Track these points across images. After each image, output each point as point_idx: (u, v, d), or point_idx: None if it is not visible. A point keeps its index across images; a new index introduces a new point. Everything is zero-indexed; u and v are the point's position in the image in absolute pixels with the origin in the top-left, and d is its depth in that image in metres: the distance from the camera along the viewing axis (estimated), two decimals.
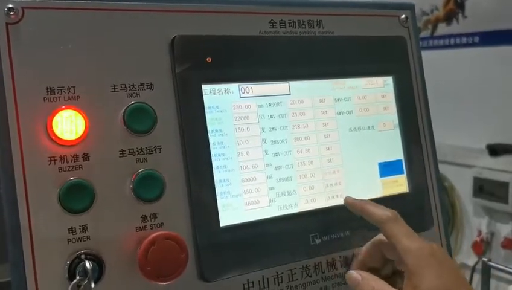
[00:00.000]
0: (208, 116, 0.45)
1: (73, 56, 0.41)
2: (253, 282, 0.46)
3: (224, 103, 0.46)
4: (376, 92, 0.55)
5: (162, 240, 0.39)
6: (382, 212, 0.44)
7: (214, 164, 0.45)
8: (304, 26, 0.52)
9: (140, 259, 0.39)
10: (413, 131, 0.56)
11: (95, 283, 0.38)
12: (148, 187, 0.41)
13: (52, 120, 0.39)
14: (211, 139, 0.45)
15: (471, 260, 1.44)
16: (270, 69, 0.49)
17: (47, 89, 0.40)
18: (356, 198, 0.48)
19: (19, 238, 0.38)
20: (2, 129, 0.38)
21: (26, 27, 0.39)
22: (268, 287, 0.46)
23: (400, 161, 0.55)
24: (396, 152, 0.55)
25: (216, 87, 0.46)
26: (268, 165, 0.48)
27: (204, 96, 0.45)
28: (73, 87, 0.40)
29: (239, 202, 0.46)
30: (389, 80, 0.55)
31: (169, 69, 0.44)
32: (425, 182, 0.56)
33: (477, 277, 1.41)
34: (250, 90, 0.48)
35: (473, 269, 1.41)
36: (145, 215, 0.42)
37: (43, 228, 0.38)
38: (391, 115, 0.55)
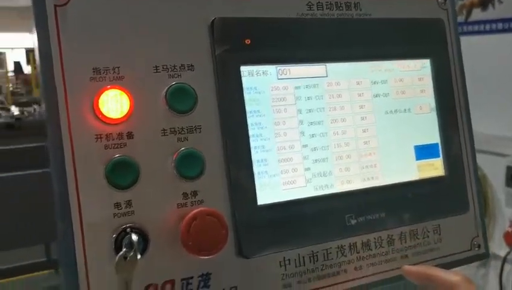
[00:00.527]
0: (246, 97, 0.46)
1: (118, 38, 0.42)
2: (289, 260, 0.47)
3: (262, 84, 0.47)
4: (413, 75, 0.54)
5: (204, 216, 0.41)
6: (454, 277, 0.45)
7: (252, 144, 0.46)
8: (341, 8, 0.51)
9: (183, 233, 0.40)
10: (450, 115, 0.55)
11: (140, 254, 0.39)
12: (189, 165, 0.43)
13: (98, 99, 0.41)
14: (249, 120, 0.46)
15: (502, 250, 1.42)
16: (307, 51, 0.49)
17: (93, 69, 0.41)
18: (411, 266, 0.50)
19: (69, 213, 0.39)
20: (52, 108, 0.40)
21: (73, 9, 0.41)
22: (304, 265, 0.47)
23: (436, 144, 0.55)
24: (432, 135, 0.55)
25: (254, 68, 0.46)
26: (305, 146, 0.48)
27: (242, 77, 0.46)
28: (118, 67, 0.42)
29: (276, 182, 0.46)
30: (426, 63, 0.55)
31: (209, 51, 0.45)
32: (462, 166, 0.56)
33: (508, 267, 1.39)
34: (288, 72, 0.48)
35: (504, 260, 1.39)
36: (186, 193, 0.43)
37: (91, 203, 0.40)
38: (428, 98, 0.55)
